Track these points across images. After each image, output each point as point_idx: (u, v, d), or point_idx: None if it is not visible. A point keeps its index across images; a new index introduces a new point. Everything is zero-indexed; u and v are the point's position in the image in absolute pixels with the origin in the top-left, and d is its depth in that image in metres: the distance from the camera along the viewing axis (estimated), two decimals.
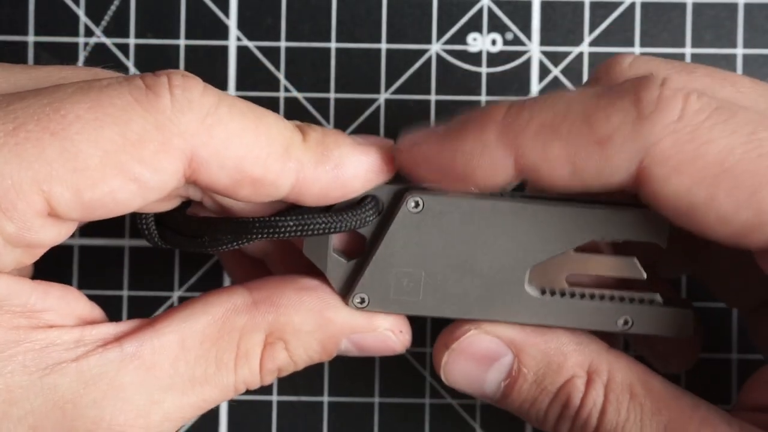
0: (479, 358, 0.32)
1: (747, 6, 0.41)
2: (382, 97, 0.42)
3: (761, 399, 0.31)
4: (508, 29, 0.41)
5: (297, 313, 0.31)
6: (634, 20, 0.41)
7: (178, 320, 0.31)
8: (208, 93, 0.29)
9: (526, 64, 0.41)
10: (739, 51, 0.41)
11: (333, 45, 0.42)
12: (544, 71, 0.41)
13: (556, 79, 0.41)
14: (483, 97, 0.41)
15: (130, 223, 0.42)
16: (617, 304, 0.32)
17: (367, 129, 0.42)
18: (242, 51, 0.42)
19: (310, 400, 0.42)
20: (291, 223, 0.31)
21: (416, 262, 0.32)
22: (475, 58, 0.42)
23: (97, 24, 0.42)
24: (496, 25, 0.42)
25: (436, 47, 0.41)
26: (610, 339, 0.33)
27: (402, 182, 0.32)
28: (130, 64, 0.42)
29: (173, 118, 0.28)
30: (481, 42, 0.42)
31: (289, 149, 0.29)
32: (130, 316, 0.38)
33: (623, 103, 0.28)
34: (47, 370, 0.28)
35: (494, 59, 0.42)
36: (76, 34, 0.42)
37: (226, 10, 0.42)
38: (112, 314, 0.32)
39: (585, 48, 0.41)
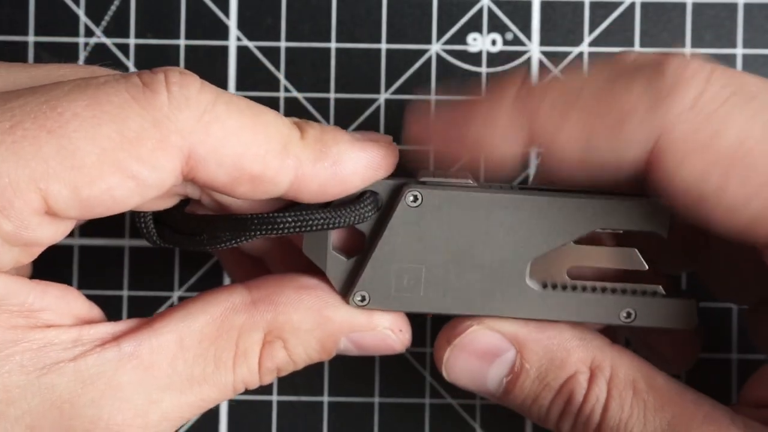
0: (481, 354, 0.32)
1: (747, 6, 0.41)
2: (382, 97, 0.42)
3: (764, 395, 0.31)
4: (508, 29, 0.41)
5: (296, 311, 0.31)
6: (634, 20, 0.41)
7: (177, 319, 0.30)
8: (206, 90, 0.29)
9: (526, 64, 0.41)
10: (739, 51, 0.41)
11: (333, 45, 0.42)
12: (544, 71, 0.41)
13: None
14: None
15: (130, 223, 0.42)
16: (619, 297, 0.32)
17: (367, 129, 0.42)
18: (242, 51, 0.42)
19: (310, 400, 0.42)
20: (289, 220, 0.31)
21: (416, 257, 0.32)
22: (475, 58, 0.42)
23: (97, 24, 0.42)
24: (496, 25, 0.42)
25: (436, 47, 0.41)
26: (612, 336, 0.33)
27: (400, 177, 0.32)
28: (130, 64, 0.42)
29: (170, 115, 0.28)
30: (481, 42, 0.42)
31: (288, 146, 0.29)
32: (129, 316, 0.38)
33: (644, 82, 0.28)
34: (45, 369, 0.28)
35: (494, 59, 0.42)
36: (76, 34, 0.42)
37: (226, 10, 0.42)
38: (112, 314, 0.32)
39: (585, 48, 0.41)
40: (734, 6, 0.41)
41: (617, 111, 0.28)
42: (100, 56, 0.42)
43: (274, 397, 0.42)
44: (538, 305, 0.32)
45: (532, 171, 0.42)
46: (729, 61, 0.41)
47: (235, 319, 0.31)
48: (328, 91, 0.42)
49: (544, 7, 0.41)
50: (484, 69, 0.41)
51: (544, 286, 0.32)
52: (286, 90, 0.42)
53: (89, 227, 0.41)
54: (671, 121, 0.28)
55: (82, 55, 0.42)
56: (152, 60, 0.42)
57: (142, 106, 0.28)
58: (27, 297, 0.29)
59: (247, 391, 0.32)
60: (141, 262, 0.42)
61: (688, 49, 0.41)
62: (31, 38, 0.42)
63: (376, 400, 0.42)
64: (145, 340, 0.30)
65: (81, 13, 0.42)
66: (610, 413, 0.31)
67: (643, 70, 0.28)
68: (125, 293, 0.42)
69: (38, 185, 0.27)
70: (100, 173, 0.27)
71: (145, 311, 0.41)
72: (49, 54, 0.42)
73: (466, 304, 0.32)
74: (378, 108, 0.42)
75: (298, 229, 0.31)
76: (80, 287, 0.41)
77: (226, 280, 0.42)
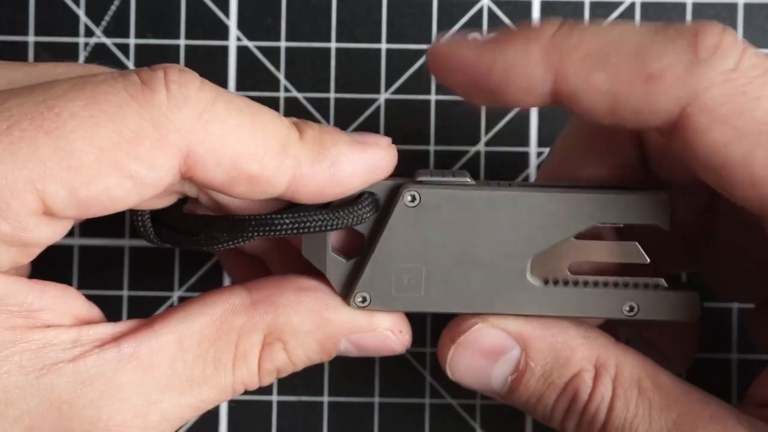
0: (486, 353, 0.32)
1: (747, 6, 0.41)
2: (382, 97, 0.42)
3: None
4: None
5: (296, 313, 0.31)
6: (634, 20, 0.41)
7: (176, 320, 0.30)
8: (205, 88, 0.28)
9: None
10: None
11: (333, 45, 0.42)
12: None
13: None
14: None
15: (130, 223, 0.42)
16: (621, 291, 0.32)
17: (367, 129, 0.42)
18: (242, 51, 0.42)
19: (309, 400, 0.42)
20: (287, 221, 0.31)
21: (416, 257, 0.32)
22: None
23: (98, 24, 0.42)
24: (496, 25, 0.41)
25: None
26: (614, 335, 0.33)
27: (398, 177, 0.32)
28: (130, 64, 0.42)
29: (169, 114, 0.28)
30: None
31: (286, 146, 0.29)
32: (129, 317, 0.38)
33: (681, 43, 0.28)
34: (44, 370, 0.28)
35: None
36: (76, 34, 0.42)
37: (226, 10, 0.42)
38: (112, 314, 0.32)
39: None
40: (734, 6, 0.41)
41: (653, 67, 0.28)
42: (100, 56, 0.42)
43: (274, 398, 0.42)
44: (539, 302, 0.32)
45: (532, 171, 0.42)
46: None
47: (234, 321, 0.31)
48: (328, 91, 0.42)
49: (544, 7, 0.41)
50: None
51: (546, 282, 0.32)
52: (286, 90, 0.42)
53: (89, 227, 0.41)
54: (706, 85, 0.28)
55: (82, 55, 0.42)
56: (152, 60, 0.41)
57: (140, 105, 0.28)
58: (26, 297, 0.29)
59: (246, 392, 0.32)
60: (141, 262, 0.42)
61: None
62: (31, 38, 0.42)
63: (376, 400, 0.42)
64: (144, 340, 0.30)
65: (81, 13, 0.42)
66: (615, 412, 0.31)
67: (682, 33, 0.28)
68: (125, 293, 0.42)
69: (35, 186, 0.27)
70: (97, 173, 0.27)
71: (145, 311, 0.41)
72: (49, 54, 0.42)
73: (467, 303, 0.32)
74: (378, 108, 0.42)
75: (295, 231, 0.31)
76: (80, 287, 0.41)
77: (226, 280, 0.42)
